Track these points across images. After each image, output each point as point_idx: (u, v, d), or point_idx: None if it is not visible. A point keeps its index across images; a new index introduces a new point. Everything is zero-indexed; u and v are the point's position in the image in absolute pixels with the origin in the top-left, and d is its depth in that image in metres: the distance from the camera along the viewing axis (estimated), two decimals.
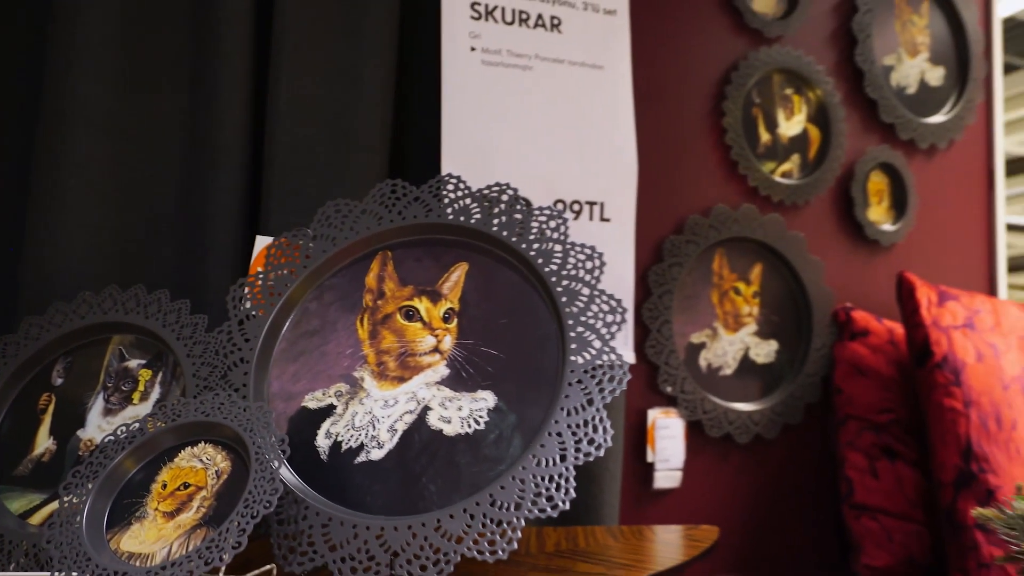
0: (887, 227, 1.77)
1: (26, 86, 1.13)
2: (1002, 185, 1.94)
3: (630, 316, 1.42)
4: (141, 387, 0.88)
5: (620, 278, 1.30)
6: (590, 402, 0.78)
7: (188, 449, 0.75)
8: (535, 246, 0.86)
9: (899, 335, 1.61)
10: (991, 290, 1.92)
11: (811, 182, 1.67)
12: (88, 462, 0.74)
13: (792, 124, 1.67)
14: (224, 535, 0.65)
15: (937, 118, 1.85)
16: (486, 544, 0.72)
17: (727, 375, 1.55)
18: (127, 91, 1.11)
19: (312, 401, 0.84)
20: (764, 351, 1.58)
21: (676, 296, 1.50)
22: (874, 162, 1.75)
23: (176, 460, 0.75)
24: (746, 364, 1.56)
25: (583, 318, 0.82)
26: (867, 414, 1.54)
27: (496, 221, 0.88)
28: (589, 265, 0.85)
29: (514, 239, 0.87)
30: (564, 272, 0.85)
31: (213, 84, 1.14)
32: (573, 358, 0.80)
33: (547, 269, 0.85)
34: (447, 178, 0.91)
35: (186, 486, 0.73)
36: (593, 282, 0.84)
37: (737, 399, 1.54)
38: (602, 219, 1.29)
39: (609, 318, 0.82)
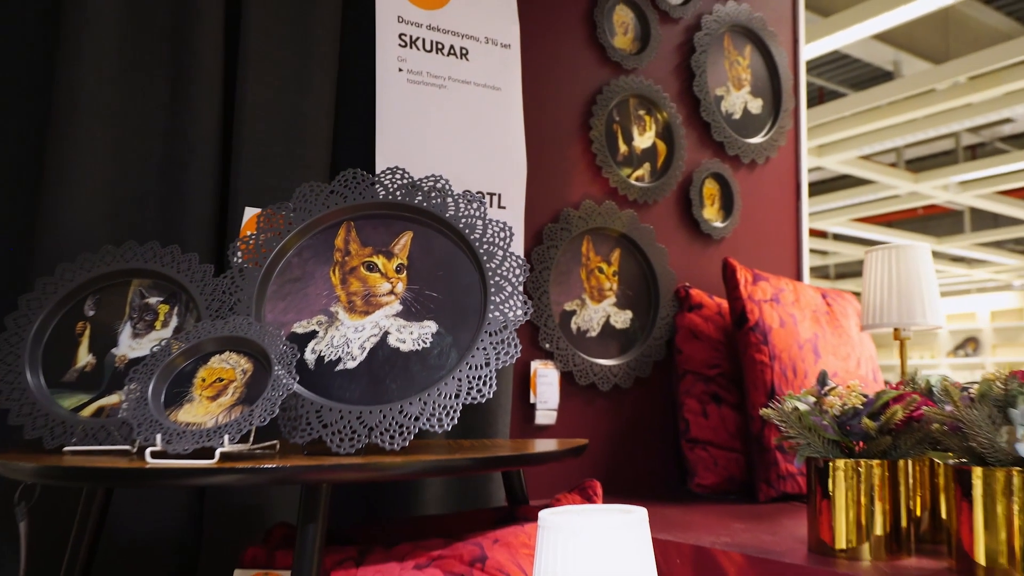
0: (717, 224, 2.21)
1: (29, 80, 1.35)
2: (806, 194, 2.43)
3: None
4: (162, 317, 1.14)
5: None
6: (505, 327, 1.12)
7: (216, 356, 1.04)
8: (463, 220, 1.19)
9: (725, 308, 2.04)
10: (797, 276, 2.40)
11: (659, 185, 2.08)
12: (144, 363, 1.00)
13: (644, 139, 2.08)
14: (262, 405, 0.94)
15: (757, 139, 2.31)
16: (435, 420, 1.04)
17: (593, 337, 1.93)
18: (123, 87, 1.36)
19: (299, 327, 1.14)
20: (622, 319, 1.98)
21: (553, 272, 1.87)
22: (708, 172, 2.19)
23: (209, 363, 1.03)
24: (607, 328, 1.95)
25: (499, 271, 1.16)
26: (700, 369, 1.95)
27: (434, 202, 1.21)
28: (503, 235, 1.18)
29: (447, 215, 1.20)
30: (485, 239, 1.18)
31: (191, 88, 1.40)
32: (493, 298, 1.13)
33: (472, 237, 1.18)
34: (395, 169, 1.23)
35: (220, 380, 1.01)
36: (506, 247, 1.17)
37: (600, 356, 1.93)
38: (500, 207, 1.64)
39: (517, 272, 1.16)
